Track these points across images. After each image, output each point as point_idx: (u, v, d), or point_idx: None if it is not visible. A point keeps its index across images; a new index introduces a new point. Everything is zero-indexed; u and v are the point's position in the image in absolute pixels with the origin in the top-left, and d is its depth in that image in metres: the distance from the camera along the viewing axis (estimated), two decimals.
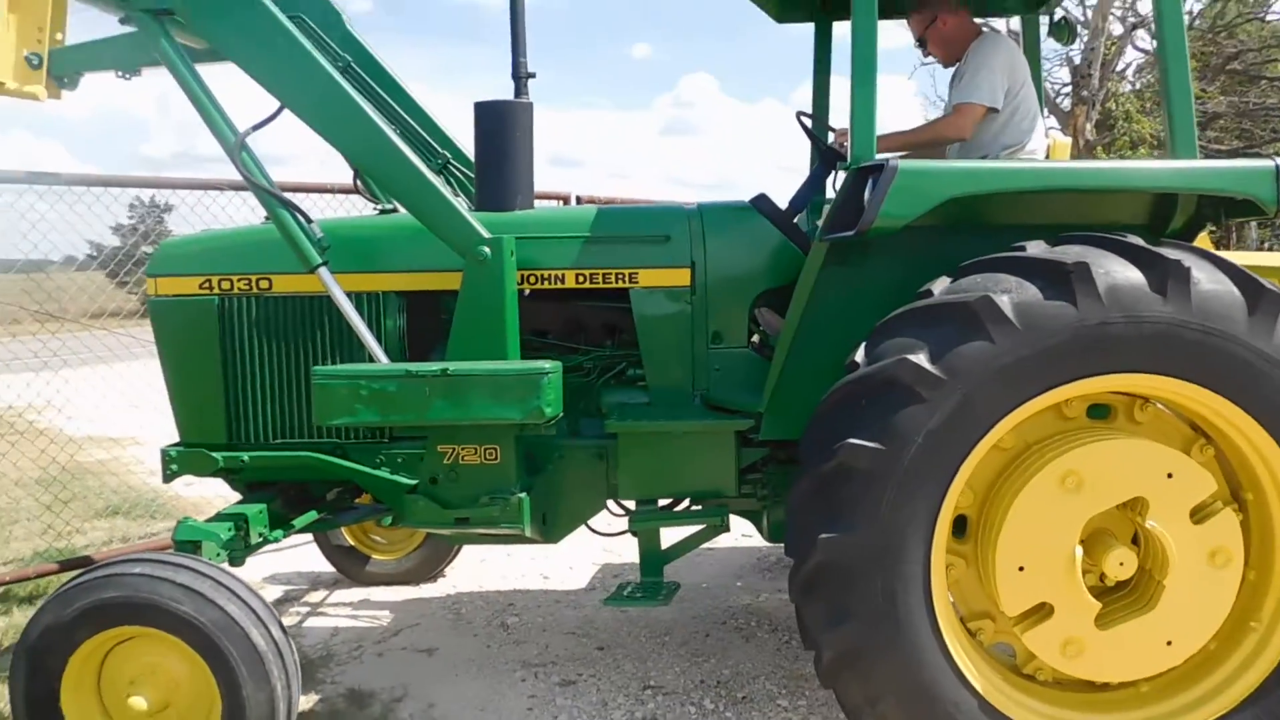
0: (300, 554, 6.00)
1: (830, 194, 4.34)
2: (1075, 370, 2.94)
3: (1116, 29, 28.48)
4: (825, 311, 3.44)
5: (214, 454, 3.75)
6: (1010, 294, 2.92)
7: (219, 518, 3.67)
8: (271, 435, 3.87)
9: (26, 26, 3.66)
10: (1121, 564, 3.07)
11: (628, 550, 5.79)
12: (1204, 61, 26.94)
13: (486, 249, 3.47)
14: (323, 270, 3.50)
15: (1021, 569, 3.03)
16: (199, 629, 3.07)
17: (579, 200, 7.92)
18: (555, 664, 4.42)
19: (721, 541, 5.38)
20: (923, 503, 2.95)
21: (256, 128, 3.52)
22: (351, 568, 5.49)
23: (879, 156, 3.39)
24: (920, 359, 2.90)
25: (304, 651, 4.49)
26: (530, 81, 4.38)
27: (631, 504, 4.06)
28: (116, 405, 6.90)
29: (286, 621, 4.25)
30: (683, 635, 4.72)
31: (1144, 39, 29.43)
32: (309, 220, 3.58)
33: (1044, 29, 4.56)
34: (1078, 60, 28.15)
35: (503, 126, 3.97)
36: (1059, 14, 4.40)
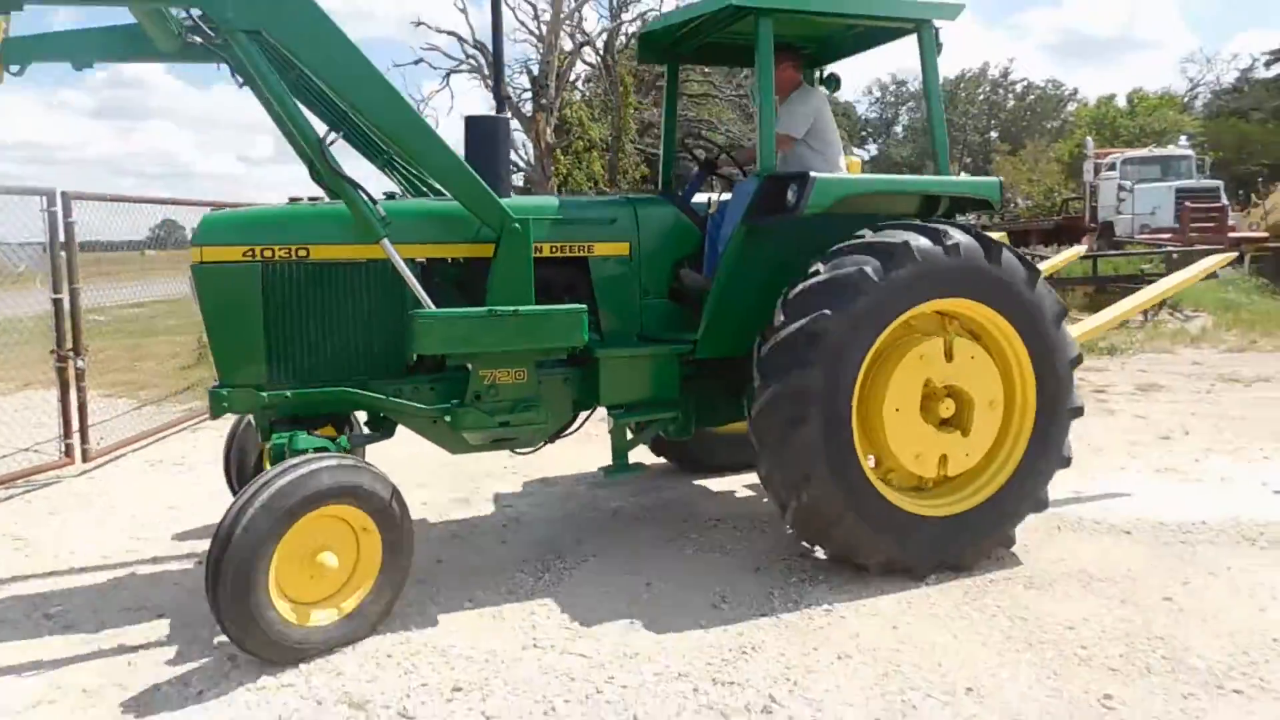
0: None
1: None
2: (938, 291, 4.74)
3: (567, 44, 31.06)
4: (743, 270, 5.05)
5: (261, 392, 4.46)
6: (915, 241, 4.64)
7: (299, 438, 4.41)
8: (307, 377, 4.62)
9: None
10: (946, 409, 4.97)
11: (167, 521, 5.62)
12: (640, 77, 30.55)
13: (517, 224, 4.60)
14: (385, 241, 4.34)
15: (897, 410, 4.83)
16: (380, 501, 4.12)
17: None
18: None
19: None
20: (857, 354, 4.60)
21: (330, 130, 4.43)
22: None
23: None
24: (869, 270, 4.55)
25: None
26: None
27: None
28: None
29: None
30: None
31: (590, 55, 32.50)
32: (373, 200, 4.40)
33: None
34: (535, 71, 30.40)
35: (490, 135, 5.35)
36: (829, 70, 6.16)
